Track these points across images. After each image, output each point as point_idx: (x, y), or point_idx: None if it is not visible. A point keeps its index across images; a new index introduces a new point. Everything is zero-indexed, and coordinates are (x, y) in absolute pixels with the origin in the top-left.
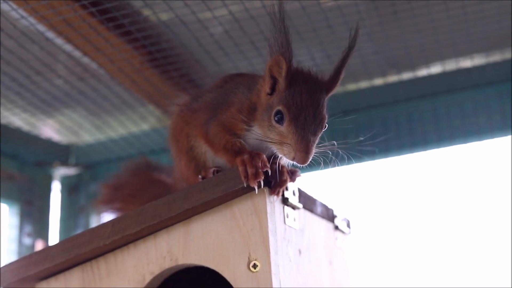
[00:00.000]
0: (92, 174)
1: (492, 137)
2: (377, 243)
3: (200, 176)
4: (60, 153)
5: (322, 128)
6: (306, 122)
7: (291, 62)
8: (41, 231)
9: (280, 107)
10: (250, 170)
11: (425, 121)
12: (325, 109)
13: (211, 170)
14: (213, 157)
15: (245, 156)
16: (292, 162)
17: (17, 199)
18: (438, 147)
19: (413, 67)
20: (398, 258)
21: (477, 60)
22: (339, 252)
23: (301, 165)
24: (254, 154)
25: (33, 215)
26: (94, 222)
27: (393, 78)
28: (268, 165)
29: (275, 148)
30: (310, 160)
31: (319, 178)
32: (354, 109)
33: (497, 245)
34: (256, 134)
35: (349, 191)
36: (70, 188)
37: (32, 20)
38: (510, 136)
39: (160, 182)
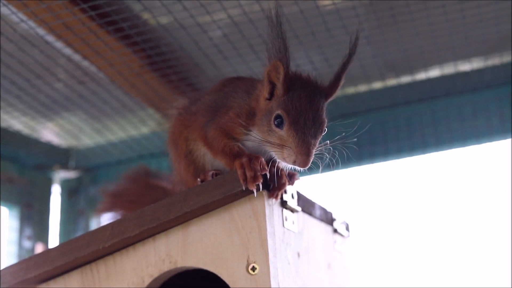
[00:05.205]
0: (92, 177)
1: (491, 141)
2: (376, 247)
3: (199, 179)
4: (60, 156)
5: (322, 132)
6: (306, 125)
7: (288, 67)
8: (41, 234)
9: (279, 111)
10: (248, 173)
11: (424, 125)
12: (324, 113)
13: (210, 173)
14: (212, 160)
15: (244, 159)
16: (292, 166)
17: (17, 202)
18: (437, 150)
19: (411, 70)
20: (397, 262)
21: (476, 64)
22: (338, 255)
23: (301, 169)
24: (253, 157)
25: (33, 218)
26: (93, 225)
27: (392, 82)
28: (267, 168)
29: (274, 153)
30: (310, 163)
31: (318, 182)
32: (353, 112)
33: (496, 248)
34: (255, 138)
35: (348, 195)
36: (70, 191)
37: (31, 23)
38: (509, 140)
39: (159, 187)
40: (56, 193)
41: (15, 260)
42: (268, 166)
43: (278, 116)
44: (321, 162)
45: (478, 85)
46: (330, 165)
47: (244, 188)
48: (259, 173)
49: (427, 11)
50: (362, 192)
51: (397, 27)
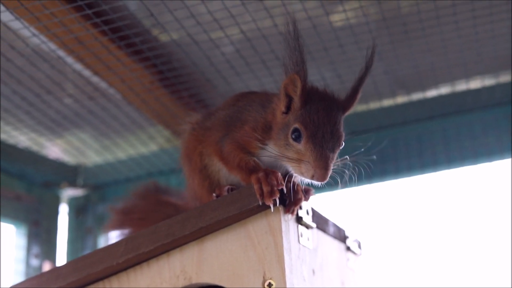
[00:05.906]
0: (100, 195)
1: (502, 158)
2: (388, 264)
3: (214, 194)
4: (68, 173)
5: (339, 146)
6: (324, 139)
7: (306, 81)
8: (49, 252)
9: (297, 125)
10: (265, 188)
11: (434, 142)
12: (342, 127)
13: (226, 188)
14: (227, 175)
15: (260, 174)
16: (310, 181)
17: (24, 220)
18: (448, 168)
19: (422, 87)
20: (409, 280)
21: (487, 81)
22: (351, 273)
23: (319, 183)
24: (269, 172)
25: (41, 236)
26: (101, 243)
27: (402, 99)
28: (284, 183)
29: (291, 167)
30: (328, 177)
31: (331, 199)
32: (364, 130)
33: (507, 267)
34: (271, 152)
35: (360, 212)
36: (78, 209)
37: (43, 38)
38: None
39: (170, 204)
40: (63, 211)
41: (23, 278)
42: (284, 181)
43: (295, 130)
44: (338, 177)
45: (489, 102)
46: (346, 182)
47: (260, 203)
48: (275, 188)
49: (440, 27)
50: (374, 210)
51: (409, 43)
